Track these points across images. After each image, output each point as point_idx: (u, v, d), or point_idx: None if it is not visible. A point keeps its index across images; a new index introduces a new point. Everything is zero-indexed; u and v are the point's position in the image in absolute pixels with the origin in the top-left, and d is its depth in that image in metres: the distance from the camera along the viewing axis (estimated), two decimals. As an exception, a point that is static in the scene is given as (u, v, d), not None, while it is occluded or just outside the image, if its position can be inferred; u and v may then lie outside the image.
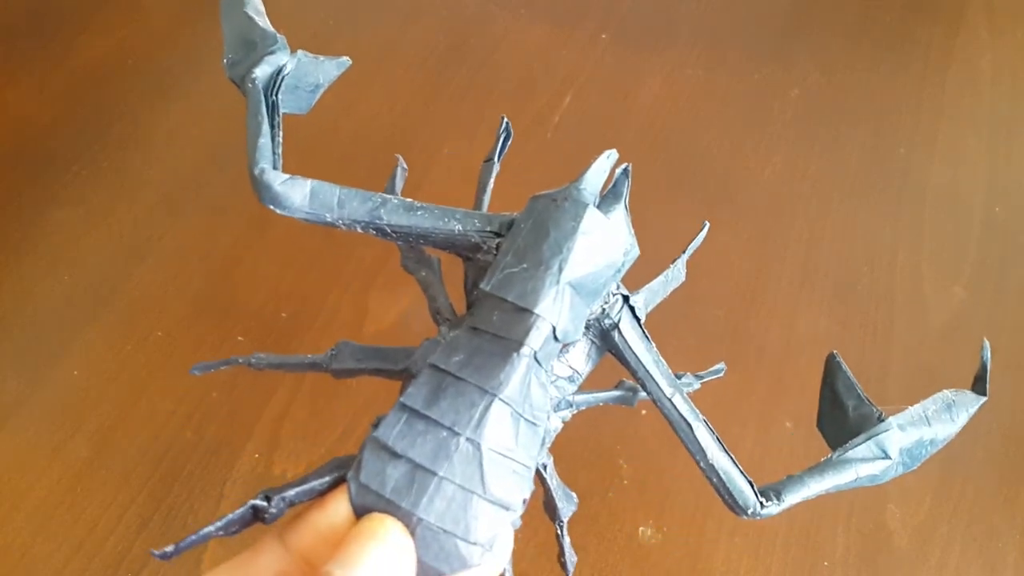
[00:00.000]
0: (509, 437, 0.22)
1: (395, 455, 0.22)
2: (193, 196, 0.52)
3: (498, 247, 0.25)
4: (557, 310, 0.23)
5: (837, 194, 0.53)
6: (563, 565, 0.28)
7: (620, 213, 0.25)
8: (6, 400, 0.43)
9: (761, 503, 0.24)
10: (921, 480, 0.41)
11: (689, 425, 0.25)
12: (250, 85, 0.26)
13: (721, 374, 0.32)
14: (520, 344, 0.22)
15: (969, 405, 0.27)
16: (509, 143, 0.32)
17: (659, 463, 0.41)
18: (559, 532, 0.28)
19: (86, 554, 0.38)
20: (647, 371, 0.25)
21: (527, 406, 0.23)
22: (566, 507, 0.27)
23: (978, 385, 0.28)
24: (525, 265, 0.23)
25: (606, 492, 0.40)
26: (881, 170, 0.54)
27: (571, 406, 0.26)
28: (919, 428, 0.27)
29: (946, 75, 0.60)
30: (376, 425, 0.22)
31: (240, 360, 0.29)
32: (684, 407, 0.25)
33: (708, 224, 0.31)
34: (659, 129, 0.56)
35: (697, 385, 0.31)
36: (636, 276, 0.51)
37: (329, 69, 0.29)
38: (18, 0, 0.64)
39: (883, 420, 0.26)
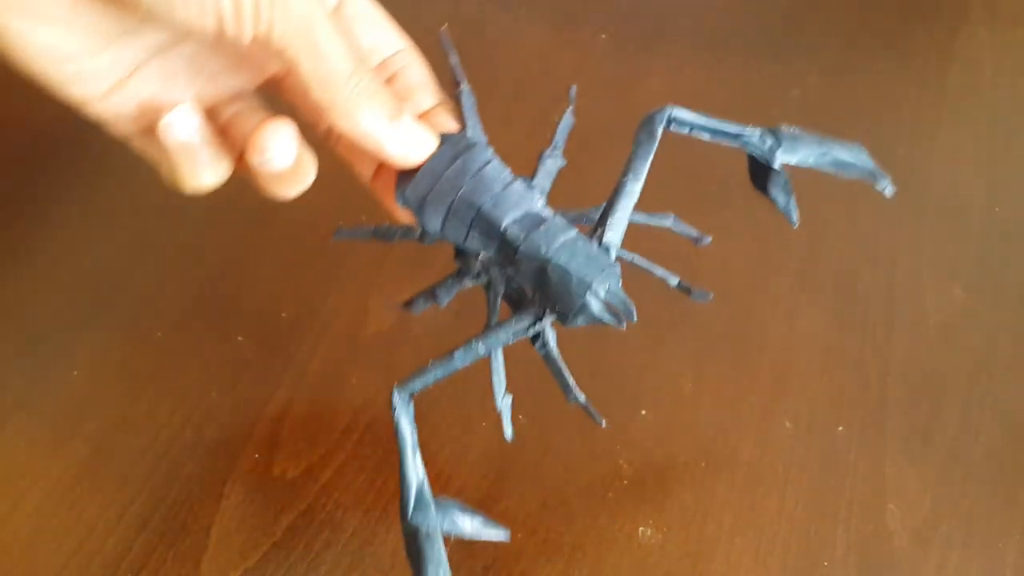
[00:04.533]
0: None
1: None
2: (193, 196, 0.52)
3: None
4: None
5: (837, 194, 0.53)
6: None
7: None
8: (6, 400, 0.43)
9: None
10: (921, 480, 0.41)
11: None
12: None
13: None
14: None
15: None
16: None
17: (659, 463, 0.41)
18: None
19: (86, 554, 0.38)
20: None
21: None
22: None
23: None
24: None
25: (606, 492, 0.40)
26: (881, 170, 0.54)
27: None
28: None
29: (946, 75, 0.60)
30: None
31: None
32: None
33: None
34: (659, 129, 0.56)
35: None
36: (637, 274, 0.51)
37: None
38: (18, 0, 0.64)
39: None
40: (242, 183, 0.53)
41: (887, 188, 0.38)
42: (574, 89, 0.39)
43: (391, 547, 0.38)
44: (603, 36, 0.62)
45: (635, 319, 0.29)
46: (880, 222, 0.51)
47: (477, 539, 0.32)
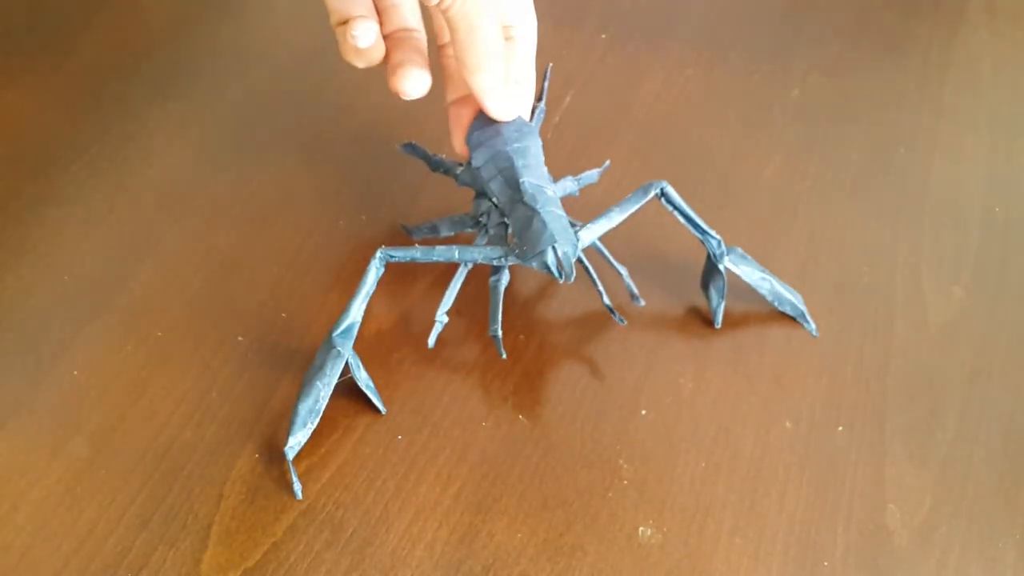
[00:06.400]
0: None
1: None
2: (193, 196, 0.52)
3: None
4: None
5: (837, 194, 0.53)
6: None
7: None
8: (6, 400, 0.43)
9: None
10: (921, 480, 0.41)
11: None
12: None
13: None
14: None
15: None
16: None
17: (659, 463, 0.41)
18: None
19: (86, 554, 0.38)
20: None
21: None
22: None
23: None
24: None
25: (606, 492, 0.40)
26: (881, 170, 0.54)
27: None
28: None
29: (946, 75, 0.60)
30: None
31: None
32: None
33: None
34: (659, 129, 0.56)
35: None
36: (640, 276, 0.51)
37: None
38: (18, 0, 0.64)
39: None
40: (240, 185, 0.53)
41: (814, 331, 0.46)
42: (607, 163, 0.49)
43: (391, 547, 0.38)
44: (603, 36, 0.62)
45: (571, 281, 0.39)
46: (880, 222, 0.51)
47: (363, 390, 0.41)
